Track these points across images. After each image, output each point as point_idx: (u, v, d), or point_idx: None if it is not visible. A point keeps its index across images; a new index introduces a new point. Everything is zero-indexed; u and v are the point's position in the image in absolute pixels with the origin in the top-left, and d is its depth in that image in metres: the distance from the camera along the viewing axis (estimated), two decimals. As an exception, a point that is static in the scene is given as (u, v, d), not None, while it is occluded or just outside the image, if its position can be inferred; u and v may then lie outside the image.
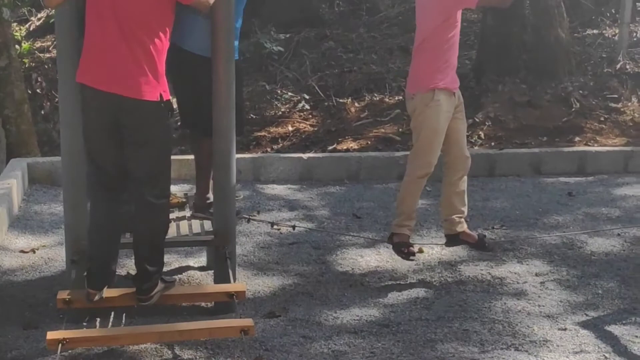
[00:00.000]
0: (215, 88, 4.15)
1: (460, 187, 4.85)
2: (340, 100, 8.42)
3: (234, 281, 4.16)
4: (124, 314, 4.13)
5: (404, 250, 4.82)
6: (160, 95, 3.73)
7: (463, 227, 4.92)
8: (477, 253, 5.19)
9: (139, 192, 3.84)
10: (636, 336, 4.09)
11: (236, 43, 4.67)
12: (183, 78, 4.62)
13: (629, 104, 7.93)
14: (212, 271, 4.55)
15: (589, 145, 7.29)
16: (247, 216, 5.34)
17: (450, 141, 4.76)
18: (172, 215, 4.66)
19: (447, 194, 4.88)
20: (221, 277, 4.22)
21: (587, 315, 4.35)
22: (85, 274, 3.94)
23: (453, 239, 4.94)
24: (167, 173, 3.92)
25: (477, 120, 7.73)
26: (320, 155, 7.10)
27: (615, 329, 4.18)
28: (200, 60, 4.33)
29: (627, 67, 8.36)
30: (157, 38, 3.71)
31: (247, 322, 3.76)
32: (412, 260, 4.86)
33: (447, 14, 4.56)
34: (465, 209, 4.91)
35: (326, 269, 4.97)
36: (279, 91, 8.72)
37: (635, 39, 9.43)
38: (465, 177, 4.88)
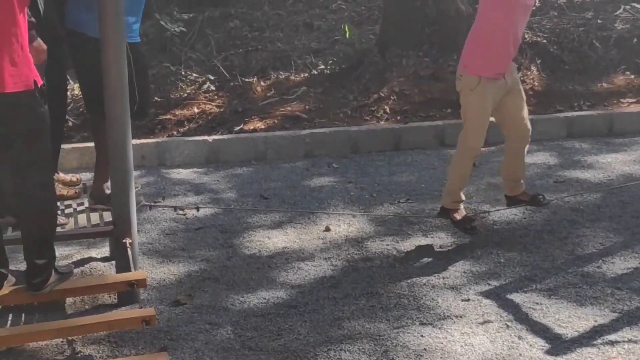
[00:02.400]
0: (105, 73, 4.03)
1: (522, 155, 5.04)
2: (246, 80, 8.34)
3: (135, 270, 4.08)
4: (24, 312, 4.04)
5: (467, 226, 4.95)
6: (26, 85, 3.53)
7: (520, 189, 5.13)
8: (384, 228, 5.24)
9: (21, 183, 3.68)
10: (537, 303, 4.19)
11: (137, 26, 4.58)
12: (77, 61, 4.54)
13: (529, 73, 8.08)
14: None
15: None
16: (149, 203, 5.24)
17: (508, 117, 4.95)
18: (70, 207, 4.56)
19: (509, 161, 5.08)
20: (122, 267, 4.14)
21: (489, 284, 4.43)
22: None
23: (513, 200, 5.17)
24: (45, 161, 3.75)
25: (382, 95, 7.76)
26: (226, 137, 7.02)
27: (517, 297, 4.27)
28: (86, 39, 4.24)
29: (526, 36, 8.49)
30: (13, 25, 3.48)
31: (149, 312, 3.69)
32: (474, 234, 4.97)
33: None
34: (523, 174, 5.15)
35: (233, 253, 4.93)
36: (183, 72, 8.58)
37: (533, 8, 9.60)
38: (527, 146, 5.07)
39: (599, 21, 9.06)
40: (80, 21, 4.33)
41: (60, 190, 4.66)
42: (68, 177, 4.93)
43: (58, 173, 4.77)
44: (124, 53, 4.05)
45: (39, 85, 3.58)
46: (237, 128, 7.39)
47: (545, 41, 8.53)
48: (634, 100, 7.78)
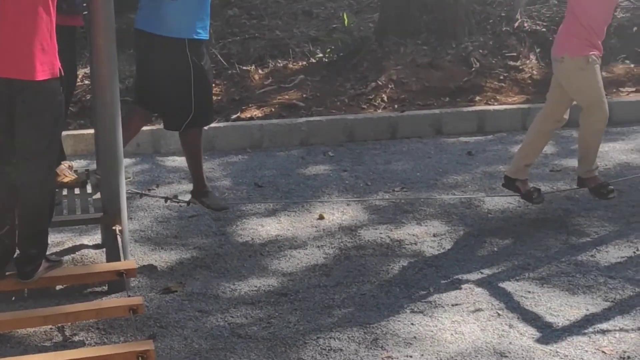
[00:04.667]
0: (95, 59, 4.02)
1: (547, 139, 5.23)
2: (244, 68, 8.30)
3: (125, 259, 4.06)
4: (13, 298, 4.03)
5: (603, 191, 5.11)
6: (53, 73, 3.58)
7: (524, 176, 5.14)
8: (378, 217, 5.22)
9: (26, 172, 3.69)
10: (529, 291, 4.17)
11: (207, 21, 4.55)
12: (140, 59, 4.60)
13: (528, 61, 8.05)
14: (106, 249, 4.44)
15: (489, 104, 7.37)
16: (140, 191, 5.22)
17: (562, 100, 5.00)
18: (63, 194, 4.54)
19: (532, 140, 5.15)
20: (113, 255, 4.12)
21: (482, 273, 4.40)
22: None
23: (510, 183, 5.16)
24: (54, 151, 3.77)
25: (380, 83, 7.72)
26: (221, 124, 6.99)
27: (509, 286, 4.25)
28: (157, 40, 4.25)
29: (525, 25, 8.46)
30: (45, 13, 3.54)
31: (136, 300, 3.67)
32: (613, 197, 5.15)
33: None
34: (533, 160, 5.21)
35: (225, 241, 4.91)
36: (181, 61, 8.54)
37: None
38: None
39: (599, 10, 9.01)
40: (143, 18, 4.30)
41: (65, 177, 4.66)
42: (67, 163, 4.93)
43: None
44: (114, 38, 4.02)
45: (62, 74, 3.61)
46: (234, 116, 7.36)
47: (544, 30, 8.49)
48: (633, 89, 7.75)
